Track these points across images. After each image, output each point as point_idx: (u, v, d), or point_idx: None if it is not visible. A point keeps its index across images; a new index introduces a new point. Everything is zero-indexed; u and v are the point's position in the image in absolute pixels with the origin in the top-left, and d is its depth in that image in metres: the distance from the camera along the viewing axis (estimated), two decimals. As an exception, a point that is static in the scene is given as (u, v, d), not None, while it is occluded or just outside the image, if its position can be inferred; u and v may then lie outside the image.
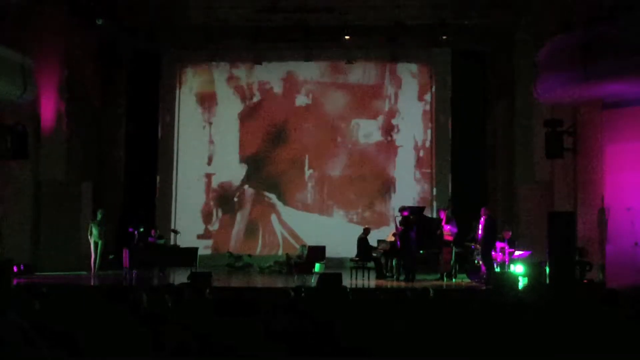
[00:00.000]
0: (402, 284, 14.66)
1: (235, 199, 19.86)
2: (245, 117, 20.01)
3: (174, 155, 19.97)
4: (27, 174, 16.27)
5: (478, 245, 14.97)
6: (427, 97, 19.77)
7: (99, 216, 16.41)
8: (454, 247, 15.39)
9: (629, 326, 5.61)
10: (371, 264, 15.97)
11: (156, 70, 20.11)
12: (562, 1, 14.78)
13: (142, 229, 16.17)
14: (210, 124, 20.03)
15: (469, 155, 19.02)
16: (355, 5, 17.11)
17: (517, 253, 14.63)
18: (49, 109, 16.77)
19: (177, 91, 20.16)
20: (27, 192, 16.37)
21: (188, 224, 19.50)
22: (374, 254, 16.13)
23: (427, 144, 19.61)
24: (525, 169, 16.83)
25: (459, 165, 19.21)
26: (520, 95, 17.07)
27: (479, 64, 19.20)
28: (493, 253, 14.59)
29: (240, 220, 19.79)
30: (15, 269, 14.25)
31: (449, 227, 15.48)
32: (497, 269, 14.35)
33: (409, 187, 19.54)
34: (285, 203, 19.78)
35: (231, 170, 19.91)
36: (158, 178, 19.93)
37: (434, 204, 19.19)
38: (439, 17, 17.43)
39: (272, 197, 19.82)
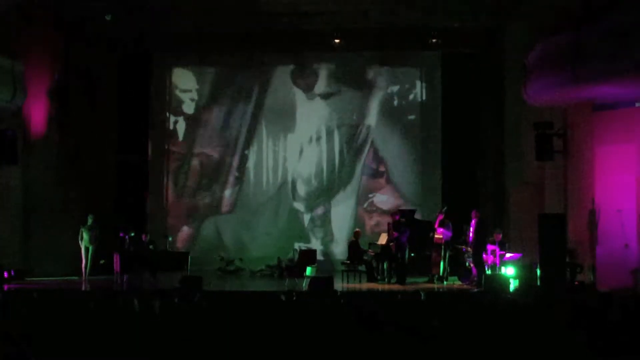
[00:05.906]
0: (394, 286, 14.68)
1: (228, 202, 19.81)
2: (236, 121, 19.96)
3: (165, 160, 19.90)
4: (17, 179, 16.20)
5: (469, 248, 15.01)
6: (417, 99, 19.77)
7: (89, 221, 16.34)
8: (444, 250, 15.42)
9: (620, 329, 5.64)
10: (362, 267, 15.98)
11: (147, 73, 20.02)
12: (551, 4, 14.83)
13: (132, 234, 16.12)
14: (202, 127, 19.97)
15: (459, 157, 19.02)
16: (345, 9, 17.10)
17: (508, 255, 14.67)
18: (38, 113, 16.73)
19: (168, 94, 20.10)
20: (16, 197, 16.30)
21: (179, 229, 19.49)
22: (365, 257, 16.14)
23: (418, 146, 19.60)
24: (516, 171, 16.86)
25: (449, 167, 19.21)
26: (510, 97, 17.10)
27: (469, 67, 19.18)
28: (484, 255, 14.62)
29: (231, 223, 19.73)
30: (5, 274, 14.20)
31: (442, 229, 15.49)
32: (488, 272, 14.38)
33: (400, 190, 19.52)
34: (276, 206, 19.73)
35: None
36: (149, 182, 19.85)
37: (425, 206, 19.17)
38: (429, 19, 17.48)
39: (264, 199, 19.77)
